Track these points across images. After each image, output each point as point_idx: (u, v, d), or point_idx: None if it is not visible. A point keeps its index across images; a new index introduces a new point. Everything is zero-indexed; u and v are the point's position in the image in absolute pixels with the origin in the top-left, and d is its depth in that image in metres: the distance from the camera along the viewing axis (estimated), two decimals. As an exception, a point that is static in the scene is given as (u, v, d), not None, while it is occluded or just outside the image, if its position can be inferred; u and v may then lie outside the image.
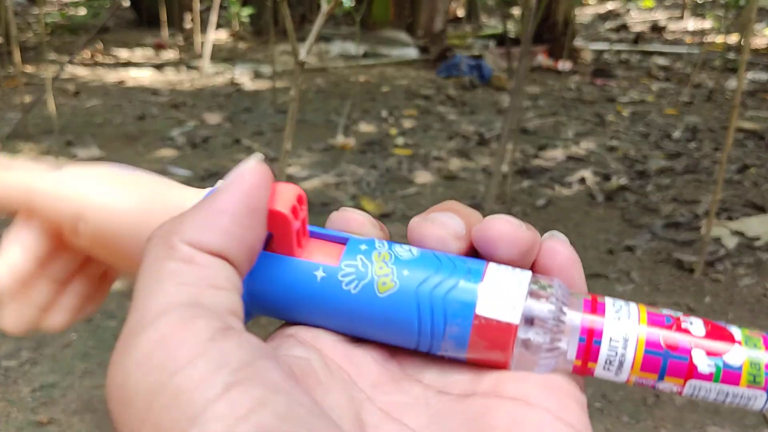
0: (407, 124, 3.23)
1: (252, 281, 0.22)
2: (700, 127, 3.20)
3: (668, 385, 0.21)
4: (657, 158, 2.77)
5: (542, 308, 0.21)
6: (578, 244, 2.02)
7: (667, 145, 2.95)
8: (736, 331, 0.22)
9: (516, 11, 6.39)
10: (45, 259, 0.26)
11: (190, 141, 2.88)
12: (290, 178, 2.42)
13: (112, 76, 4.06)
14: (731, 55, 4.79)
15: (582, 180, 2.51)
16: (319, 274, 0.22)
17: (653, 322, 0.21)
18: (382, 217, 2.13)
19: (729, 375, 0.21)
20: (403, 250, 0.23)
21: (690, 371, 0.21)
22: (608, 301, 0.22)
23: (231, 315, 0.18)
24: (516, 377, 0.21)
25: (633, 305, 0.22)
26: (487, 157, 2.75)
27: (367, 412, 0.20)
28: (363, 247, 0.23)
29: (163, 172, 2.52)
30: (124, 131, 3.02)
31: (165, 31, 5.08)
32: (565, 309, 0.22)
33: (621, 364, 0.21)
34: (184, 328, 0.17)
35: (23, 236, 0.26)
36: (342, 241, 0.23)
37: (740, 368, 0.21)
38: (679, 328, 0.21)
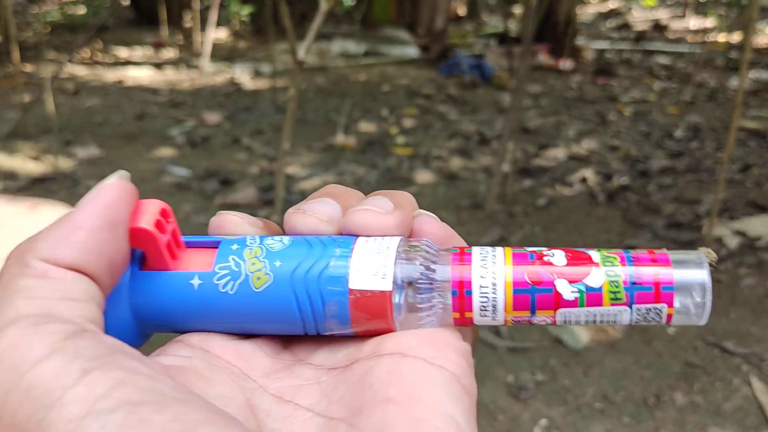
0: (408, 123, 3.22)
1: (136, 301, 0.23)
2: (701, 127, 3.19)
3: (541, 318, 0.22)
4: (658, 158, 2.76)
5: (412, 270, 0.22)
6: (579, 244, 2.01)
7: (668, 145, 2.94)
8: (594, 254, 0.22)
9: (517, 10, 6.38)
10: None
11: (190, 140, 2.87)
12: (290, 178, 2.42)
13: (111, 75, 4.05)
14: (733, 54, 4.78)
15: (583, 179, 2.50)
16: (196, 282, 0.23)
17: (518, 261, 0.22)
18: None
19: (592, 297, 0.22)
20: (274, 242, 0.23)
21: (557, 301, 0.22)
22: (475, 250, 0.23)
23: (87, 322, 0.18)
24: (394, 335, 0.22)
25: (499, 249, 0.23)
26: (488, 157, 2.74)
27: (259, 399, 0.21)
28: (234, 246, 0.23)
29: (163, 171, 2.51)
30: (123, 130, 3.01)
31: (164, 30, 5.07)
32: (434, 266, 0.22)
33: (494, 307, 0.22)
34: (34, 333, 0.17)
35: None
36: (215, 245, 0.24)
37: (601, 289, 0.22)
38: (542, 262, 0.22)
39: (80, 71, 4.13)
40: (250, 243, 0.23)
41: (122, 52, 4.80)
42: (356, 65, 4.43)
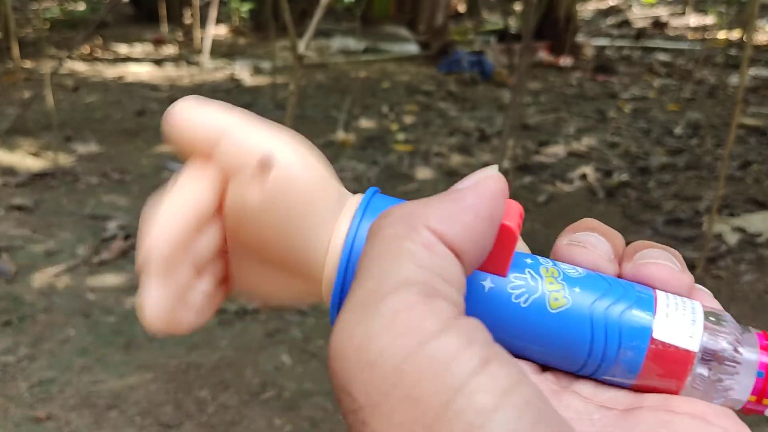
0: (408, 120, 3.22)
1: None
2: (701, 124, 3.19)
3: None
4: (658, 154, 2.76)
5: (719, 343, 0.21)
6: (579, 241, 2.01)
7: (668, 142, 2.94)
8: None
9: (517, 7, 6.38)
10: (206, 221, 0.22)
11: (190, 136, 2.87)
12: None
13: (111, 72, 4.05)
14: (733, 51, 4.78)
15: (583, 176, 2.50)
16: (487, 284, 0.21)
17: None
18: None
19: None
20: (569, 268, 0.22)
21: None
22: None
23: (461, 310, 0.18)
24: (684, 398, 0.21)
25: None
26: (488, 153, 2.74)
27: None
28: (528, 261, 0.22)
29: (163, 167, 2.51)
30: (123, 127, 3.01)
31: (164, 27, 5.06)
32: (740, 345, 0.21)
33: None
34: (428, 302, 0.16)
35: (198, 185, 0.22)
36: None
37: None
38: None
39: (80, 67, 4.13)
40: (544, 262, 0.22)
41: (122, 49, 4.79)
42: (356, 62, 4.42)
